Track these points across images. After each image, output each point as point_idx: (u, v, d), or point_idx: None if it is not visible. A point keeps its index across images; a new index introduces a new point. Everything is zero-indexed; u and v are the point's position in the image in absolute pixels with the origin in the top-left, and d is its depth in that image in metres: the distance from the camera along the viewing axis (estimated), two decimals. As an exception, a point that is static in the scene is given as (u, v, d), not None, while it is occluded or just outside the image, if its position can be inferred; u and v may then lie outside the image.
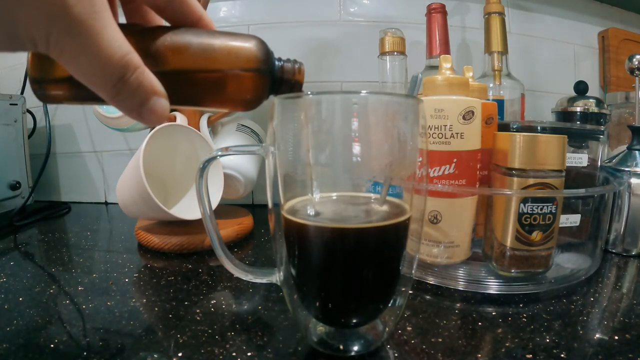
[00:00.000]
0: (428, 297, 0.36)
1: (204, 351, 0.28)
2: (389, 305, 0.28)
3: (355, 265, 0.26)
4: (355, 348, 0.28)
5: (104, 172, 0.80)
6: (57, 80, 0.20)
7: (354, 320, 0.28)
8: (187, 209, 0.53)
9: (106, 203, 0.80)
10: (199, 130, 0.55)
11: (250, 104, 0.23)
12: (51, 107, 0.79)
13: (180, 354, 0.28)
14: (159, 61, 0.21)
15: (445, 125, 0.37)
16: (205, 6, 0.52)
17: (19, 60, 0.81)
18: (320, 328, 0.29)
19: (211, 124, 0.59)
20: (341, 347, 0.28)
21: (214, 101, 0.23)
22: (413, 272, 0.29)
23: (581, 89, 0.60)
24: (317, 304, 0.27)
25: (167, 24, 0.23)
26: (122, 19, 0.22)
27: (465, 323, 0.32)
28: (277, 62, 0.24)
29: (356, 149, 0.25)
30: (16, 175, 0.71)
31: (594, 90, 0.76)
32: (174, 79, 0.21)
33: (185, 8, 0.23)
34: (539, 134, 0.41)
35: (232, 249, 0.51)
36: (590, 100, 0.59)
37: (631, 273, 0.43)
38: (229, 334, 0.30)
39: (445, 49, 0.59)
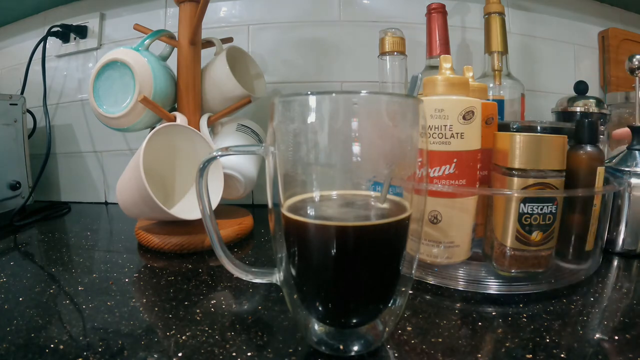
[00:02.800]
0: (428, 297, 0.36)
1: (204, 351, 0.28)
2: (389, 305, 0.28)
3: (355, 264, 0.26)
4: (355, 348, 0.28)
5: (104, 172, 0.80)
6: None
7: (354, 320, 0.28)
8: (187, 209, 0.53)
9: (106, 203, 0.80)
10: (199, 130, 0.55)
11: None
12: (51, 107, 0.79)
13: (180, 354, 0.28)
14: None
15: (445, 125, 0.37)
16: (205, 7, 0.52)
17: (19, 60, 0.81)
18: (320, 328, 0.29)
19: (211, 123, 0.59)
20: (341, 347, 0.28)
21: None
22: (413, 272, 0.29)
23: (581, 89, 0.60)
24: (317, 303, 0.27)
25: None
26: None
27: (465, 323, 0.32)
28: None
29: (356, 148, 0.25)
30: (16, 175, 0.71)
31: (594, 90, 0.77)
32: None
33: None
34: (539, 134, 0.41)
35: (232, 249, 0.51)
36: (590, 100, 0.59)
37: (631, 273, 0.43)
38: (229, 334, 0.30)
39: (445, 49, 0.58)
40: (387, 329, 0.29)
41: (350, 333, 0.29)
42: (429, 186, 0.38)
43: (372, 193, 0.27)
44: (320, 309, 0.27)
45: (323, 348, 0.28)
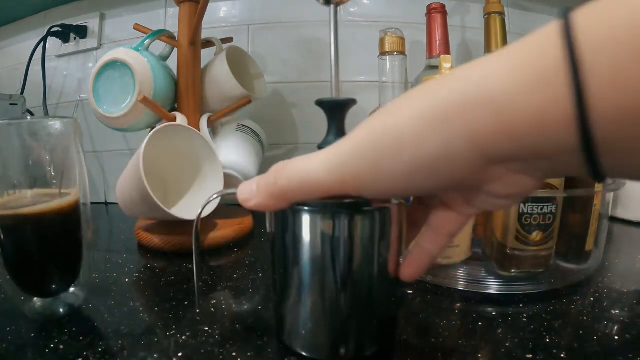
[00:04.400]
0: (428, 297, 0.36)
1: (204, 351, 0.28)
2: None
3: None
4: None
5: (104, 172, 0.80)
6: None
7: None
8: (187, 209, 0.53)
9: (106, 203, 0.80)
10: (199, 130, 0.55)
11: None
12: (51, 107, 0.79)
13: (180, 354, 0.28)
14: None
15: (445, 125, 0.37)
16: (205, 7, 0.52)
17: (19, 60, 0.81)
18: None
19: (211, 123, 0.59)
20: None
21: None
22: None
23: (581, 89, 0.60)
24: None
25: None
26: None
27: (465, 323, 0.32)
28: None
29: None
30: (16, 175, 0.71)
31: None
32: None
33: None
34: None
35: (232, 249, 0.51)
36: (590, 100, 0.59)
37: (632, 273, 0.43)
38: (229, 334, 0.30)
39: (445, 49, 0.59)
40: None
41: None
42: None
43: None
44: None
45: None
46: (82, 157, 0.33)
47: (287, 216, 0.26)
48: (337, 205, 0.24)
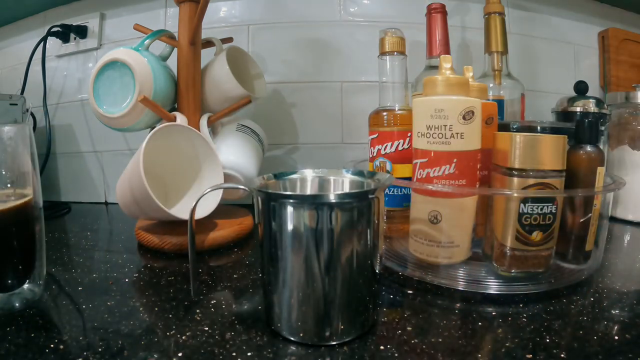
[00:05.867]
0: (428, 297, 0.36)
1: (204, 351, 0.28)
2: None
3: None
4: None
5: (104, 172, 0.80)
6: None
7: None
8: (187, 209, 0.53)
9: (106, 203, 0.80)
10: (199, 130, 0.55)
11: None
12: (51, 107, 0.79)
13: (180, 354, 0.28)
14: None
15: (445, 125, 0.37)
16: (205, 7, 0.52)
17: (19, 60, 0.81)
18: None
19: (211, 123, 0.59)
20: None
21: None
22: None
23: (581, 89, 0.60)
24: None
25: None
26: None
27: (465, 323, 0.32)
28: None
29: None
30: (16, 175, 0.71)
31: (594, 90, 0.76)
32: None
33: None
34: (539, 134, 0.41)
35: (232, 249, 0.51)
36: (590, 100, 0.59)
37: (631, 273, 0.42)
38: (229, 334, 0.30)
39: (445, 49, 0.58)
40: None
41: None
42: (429, 186, 0.38)
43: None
44: None
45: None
46: (35, 159, 0.35)
47: (272, 208, 0.28)
48: (317, 197, 0.27)
